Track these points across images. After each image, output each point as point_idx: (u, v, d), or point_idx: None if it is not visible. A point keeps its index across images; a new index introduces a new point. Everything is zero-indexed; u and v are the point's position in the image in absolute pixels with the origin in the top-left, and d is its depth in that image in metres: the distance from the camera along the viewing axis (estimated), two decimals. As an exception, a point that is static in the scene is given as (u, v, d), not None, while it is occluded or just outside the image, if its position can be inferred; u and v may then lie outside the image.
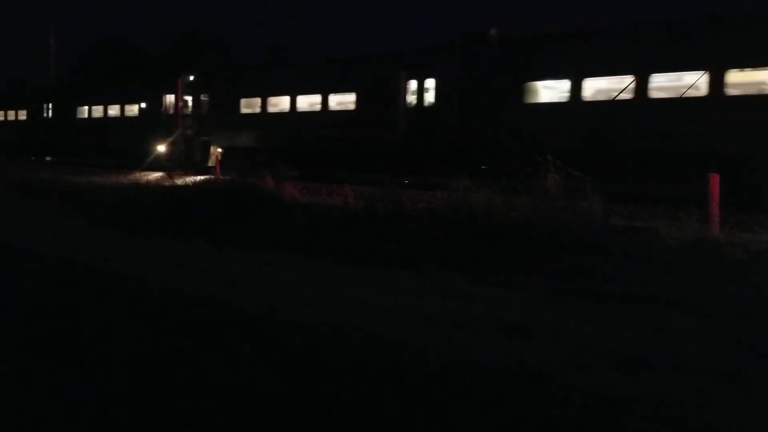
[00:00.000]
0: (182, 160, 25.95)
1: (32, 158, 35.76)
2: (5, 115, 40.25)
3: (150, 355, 5.37)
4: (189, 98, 27.26)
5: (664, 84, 15.14)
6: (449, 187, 12.42)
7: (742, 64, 14.09)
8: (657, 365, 4.99)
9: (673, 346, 5.45)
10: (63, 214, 16.17)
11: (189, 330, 5.98)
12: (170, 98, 27.78)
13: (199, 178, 21.26)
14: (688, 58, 14.63)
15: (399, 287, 7.89)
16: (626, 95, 15.42)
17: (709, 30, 14.76)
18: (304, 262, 9.76)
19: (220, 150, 25.18)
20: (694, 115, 14.37)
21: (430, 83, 19.13)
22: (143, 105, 29.85)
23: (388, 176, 14.00)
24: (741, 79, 14.21)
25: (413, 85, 19.42)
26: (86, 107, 33.52)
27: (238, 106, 25.11)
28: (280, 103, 23.71)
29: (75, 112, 34.14)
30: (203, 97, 27.03)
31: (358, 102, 20.93)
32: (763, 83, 13.97)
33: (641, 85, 15.15)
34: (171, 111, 27.70)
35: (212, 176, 20.95)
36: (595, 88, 16.15)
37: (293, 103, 23.03)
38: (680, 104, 14.70)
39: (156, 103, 28.69)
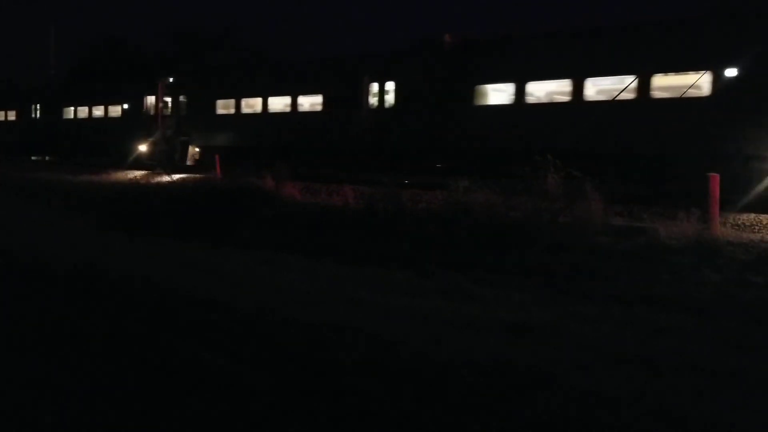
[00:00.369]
0: (163, 160, 26.68)
1: (21, 157, 36.49)
2: None
3: (150, 354, 5.37)
4: (169, 99, 28.27)
5: (598, 87, 15.89)
6: (449, 187, 12.48)
7: (666, 70, 14.77)
8: (657, 365, 4.99)
9: (673, 346, 5.45)
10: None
11: (189, 330, 5.98)
12: (151, 99, 28.80)
13: (187, 176, 21.70)
14: (618, 63, 15.36)
15: (399, 287, 7.89)
16: (564, 98, 16.21)
17: (634, 36, 15.53)
18: (304, 262, 9.76)
19: (197, 149, 26.61)
20: (626, 116, 15.04)
21: (390, 86, 20.00)
22: (125, 106, 30.73)
23: (354, 173, 14.97)
24: (665, 83, 14.83)
25: (375, 87, 20.31)
26: (72, 108, 34.47)
27: (214, 107, 26.15)
28: (253, 105, 24.73)
29: (61, 112, 35.05)
30: (182, 99, 28.02)
31: (324, 103, 21.87)
32: (685, 87, 14.46)
33: (577, 89, 15.83)
34: (152, 112, 28.73)
35: (198, 175, 21.58)
36: (537, 91, 16.92)
37: (265, 104, 24.04)
38: (612, 107, 15.37)
39: (137, 104, 29.66)
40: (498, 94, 17.67)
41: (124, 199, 17.59)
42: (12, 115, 39.50)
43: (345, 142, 20.70)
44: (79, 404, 4.44)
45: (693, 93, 14.25)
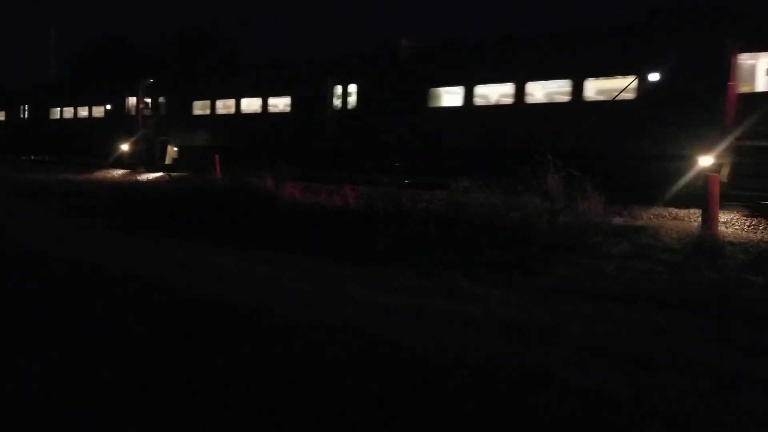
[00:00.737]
0: (143, 158, 28.24)
1: (11, 156, 37.10)
2: None
3: (150, 354, 5.36)
4: (149, 100, 29.61)
5: (538, 90, 17.04)
6: (448, 186, 12.52)
7: (598, 74, 15.83)
8: (657, 365, 4.99)
9: (673, 346, 5.44)
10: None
11: (189, 329, 5.98)
12: (132, 100, 30.02)
13: (183, 175, 22.46)
14: (556, 68, 16.47)
15: (399, 287, 7.89)
16: (508, 100, 17.40)
17: (569, 42, 16.63)
18: (304, 261, 9.76)
19: (176, 148, 27.89)
20: (561, 117, 16.15)
21: (352, 88, 21.22)
22: (108, 107, 31.88)
23: (322, 170, 15.94)
24: (597, 87, 15.94)
25: (339, 90, 21.54)
26: (58, 108, 35.44)
27: (191, 108, 27.39)
28: (227, 106, 25.95)
29: (48, 113, 35.97)
30: (161, 100, 29.26)
31: (293, 105, 23.14)
32: (614, 90, 15.49)
33: (520, 92, 17.02)
34: (133, 112, 29.96)
35: (176, 174, 22.47)
36: (484, 94, 18.15)
37: (238, 105, 25.25)
38: (550, 108, 16.61)
39: (120, 105, 30.84)
40: (450, 96, 18.90)
41: (124, 199, 17.82)
42: (1, 116, 40.64)
43: (312, 141, 21.88)
44: (72, 398, 4.45)
45: (622, 96, 15.18)
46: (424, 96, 19.02)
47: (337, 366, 4.93)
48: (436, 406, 4.24)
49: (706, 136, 13.40)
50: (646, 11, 15.44)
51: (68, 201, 18.14)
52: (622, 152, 14.91)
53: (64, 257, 9.61)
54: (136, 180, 23.10)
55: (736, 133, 13.03)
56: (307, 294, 7.40)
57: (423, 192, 14.74)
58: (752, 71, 13.74)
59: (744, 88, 13.61)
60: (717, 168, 13.16)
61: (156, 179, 22.34)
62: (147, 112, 29.52)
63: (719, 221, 11.64)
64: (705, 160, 13.18)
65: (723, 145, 13.15)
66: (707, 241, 9.42)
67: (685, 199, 12.04)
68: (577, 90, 15.87)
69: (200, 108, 27.07)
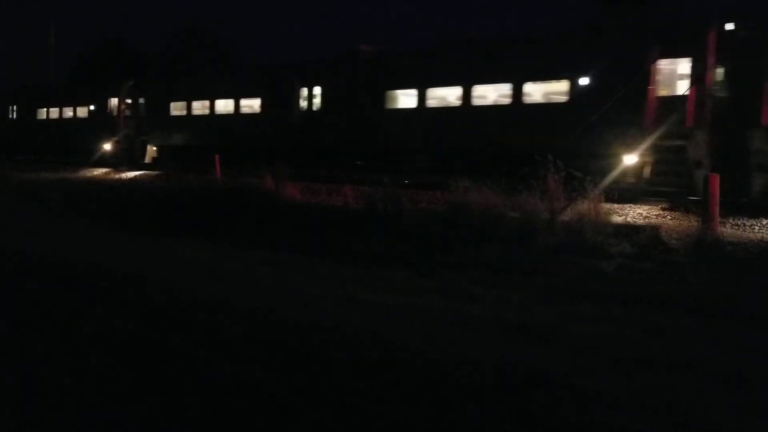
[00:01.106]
0: (124, 157, 29.47)
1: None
2: None
3: (150, 354, 5.36)
4: (130, 101, 30.63)
5: (482, 93, 17.92)
6: (448, 186, 12.54)
7: (536, 78, 16.72)
8: (657, 365, 4.98)
9: (673, 346, 5.44)
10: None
11: (189, 329, 5.97)
12: (114, 101, 31.01)
13: (182, 175, 22.54)
14: (497, 72, 17.40)
15: (399, 287, 7.88)
16: (456, 102, 18.34)
17: (511, 48, 17.52)
18: (304, 261, 9.75)
19: (155, 148, 29.03)
20: (501, 119, 17.07)
21: (317, 91, 22.36)
22: (92, 107, 32.86)
23: (291, 168, 16.49)
24: (534, 90, 16.86)
25: (305, 92, 22.66)
26: (45, 109, 36.41)
27: (168, 109, 28.46)
28: (202, 107, 27.07)
29: (35, 113, 36.92)
30: (141, 101, 30.31)
31: (262, 106, 24.26)
32: (550, 93, 16.56)
33: (466, 95, 17.96)
34: (115, 113, 30.98)
35: (155, 171, 23.88)
36: (436, 96, 19.08)
37: (212, 106, 26.42)
38: (492, 110, 17.53)
39: (103, 105, 31.78)
40: (405, 98, 19.93)
41: (120, 198, 17.95)
42: None
43: (280, 140, 22.81)
44: (72, 397, 4.44)
45: (556, 99, 16.31)
46: (382, 98, 20.08)
47: (336, 366, 4.92)
48: (436, 406, 4.24)
49: (630, 136, 14.29)
50: (581, 20, 16.69)
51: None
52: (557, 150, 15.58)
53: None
54: (119, 178, 23.97)
55: (657, 134, 13.95)
56: (307, 294, 7.38)
57: (423, 192, 14.75)
58: (671, 76, 14.82)
59: (663, 92, 14.62)
60: (640, 166, 14.25)
61: (137, 177, 23.48)
62: (128, 113, 30.59)
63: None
64: (629, 159, 14.15)
65: (645, 145, 14.07)
66: (707, 240, 9.41)
67: (615, 195, 12.38)
68: (517, 93, 16.79)
69: (177, 109, 28.06)
